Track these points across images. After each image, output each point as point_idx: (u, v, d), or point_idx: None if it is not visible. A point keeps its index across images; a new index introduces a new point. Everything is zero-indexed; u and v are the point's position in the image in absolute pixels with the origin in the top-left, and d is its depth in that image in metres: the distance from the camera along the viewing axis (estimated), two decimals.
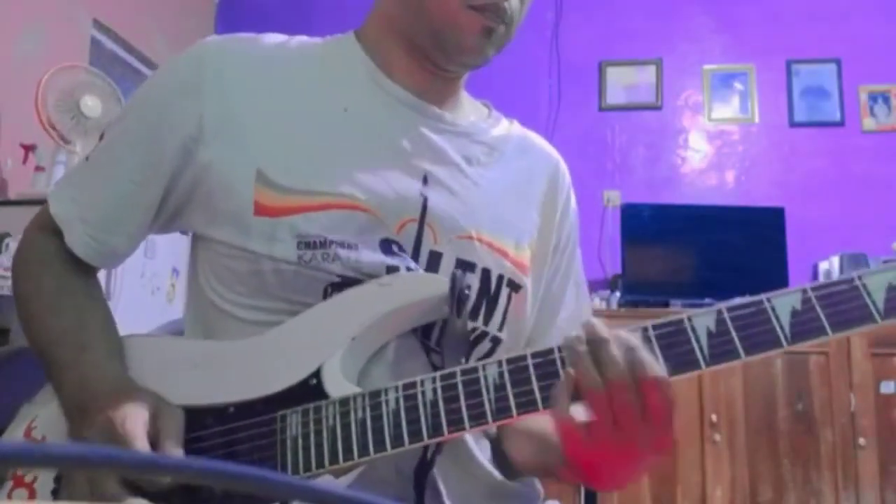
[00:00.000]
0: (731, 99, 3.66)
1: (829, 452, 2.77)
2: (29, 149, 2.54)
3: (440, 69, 0.84)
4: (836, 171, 3.49)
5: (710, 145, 3.66)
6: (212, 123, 0.78)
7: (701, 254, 3.29)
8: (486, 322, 0.81)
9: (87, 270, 0.85)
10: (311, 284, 0.75)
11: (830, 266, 3.23)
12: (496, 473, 0.83)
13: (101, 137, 0.86)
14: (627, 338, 0.64)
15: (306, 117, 0.81)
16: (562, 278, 0.93)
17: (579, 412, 0.65)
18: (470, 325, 0.80)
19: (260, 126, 0.79)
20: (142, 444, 0.65)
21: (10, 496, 0.72)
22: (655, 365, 0.63)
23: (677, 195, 3.56)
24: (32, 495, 0.72)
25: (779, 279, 3.10)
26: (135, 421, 0.66)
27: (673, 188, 3.60)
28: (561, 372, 0.66)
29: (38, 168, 2.51)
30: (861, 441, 2.73)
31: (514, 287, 0.84)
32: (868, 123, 3.52)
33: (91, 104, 2.53)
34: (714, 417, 2.81)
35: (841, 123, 3.55)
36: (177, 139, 0.79)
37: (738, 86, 3.66)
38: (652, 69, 3.70)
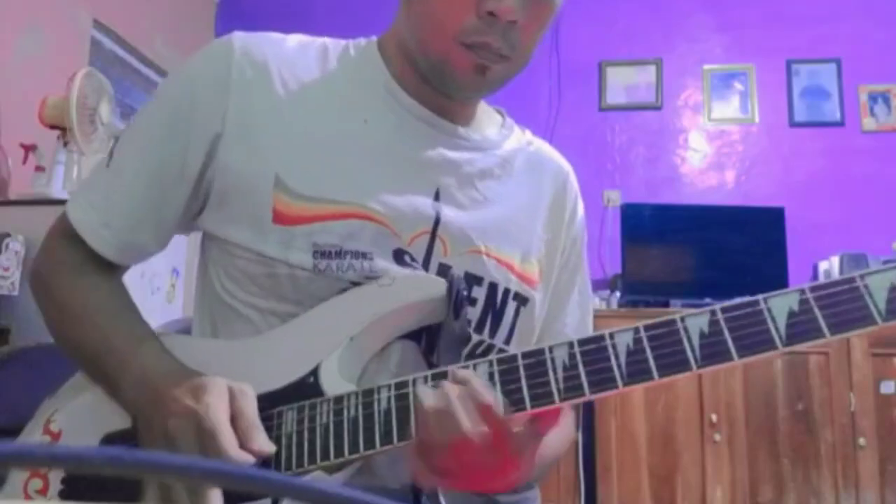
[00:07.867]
0: (731, 99, 3.66)
1: (829, 452, 2.76)
2: (29, 149, 2.53)
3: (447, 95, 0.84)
4: (836, 171, 3.48)
5: (710, 145, 3.65)
6: (234, 122, 0.78)
7: (701, 254, 3.29)
8: (493, 335, 0.82)
9: (115, 274, 0.85)
10: (325, 289, 0.76)
11: (830, 266, 3.23)
12: None
13: (118, 140, 0.85)
14: (464, 374, 0.65)
15: (327, 125, 0.80)
16: (566, 285, 0.93)
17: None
18: (476, 337, 0.80)
19: (280, 130, 0.79)
20: (228, 435, 0.63)
21: (25, 486, 0.74)
22: (487, 394, 0.63)
23: (677, 195, 3.56)
24: (46, 485, 0.74)
25: (779, 279, 3.09)
26: (217, 410, 0.64)
27: (673, 188, 3.60)
28: (551, 373, 0.65)
29: (39, 168, 2.51)
30: (861, 441, 2.73)
31: (522, 300, 0.84)
32: (868, 123, 3.52)
33: (103, 110, 2.52)
34: (714, 417, 2.81)
35: (841, 123, 3.54)
36: (204, 135, 0.78)
37: (738, 86, 3.65)
38: (652, 69, 3.70)
